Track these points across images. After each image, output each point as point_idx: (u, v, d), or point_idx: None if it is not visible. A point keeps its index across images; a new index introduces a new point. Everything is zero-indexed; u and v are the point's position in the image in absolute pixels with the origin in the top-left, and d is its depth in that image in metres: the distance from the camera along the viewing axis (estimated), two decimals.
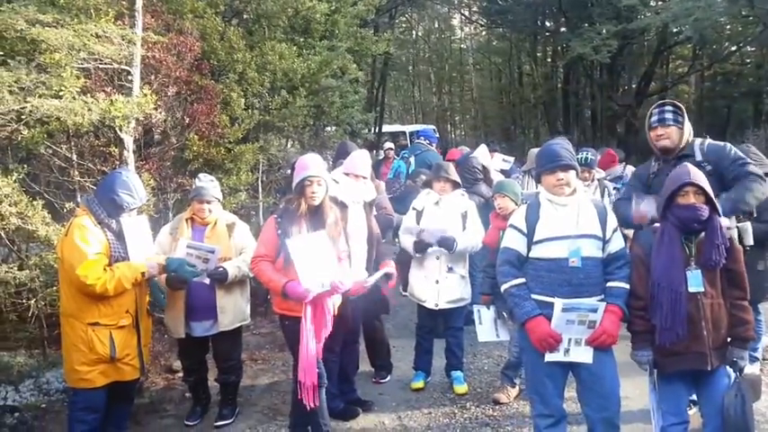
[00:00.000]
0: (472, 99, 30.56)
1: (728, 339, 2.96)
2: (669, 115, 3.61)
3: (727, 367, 2.98)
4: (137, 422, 4.34)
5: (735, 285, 2.96)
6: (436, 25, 32.18)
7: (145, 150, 5.76)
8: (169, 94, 5.66)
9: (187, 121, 5.84)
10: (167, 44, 5.59)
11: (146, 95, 4.91)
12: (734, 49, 19.61)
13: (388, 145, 11.56)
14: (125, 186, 3.59)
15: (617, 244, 3.12)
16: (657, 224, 3.06)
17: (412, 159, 9.17)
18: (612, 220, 3.16)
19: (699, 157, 3.55)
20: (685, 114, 3.65)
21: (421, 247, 4.54)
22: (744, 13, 14.25)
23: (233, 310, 4.20)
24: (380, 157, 12.07)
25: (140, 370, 3.75)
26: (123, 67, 5.11)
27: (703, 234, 2.92)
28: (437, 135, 19.96)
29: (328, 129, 9.08)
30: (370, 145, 16.14)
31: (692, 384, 3.07)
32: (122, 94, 5.08)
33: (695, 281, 2.89)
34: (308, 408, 3.45)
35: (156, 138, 5.92)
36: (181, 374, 4.77)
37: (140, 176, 5.11)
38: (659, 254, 2.95)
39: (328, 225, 3.57)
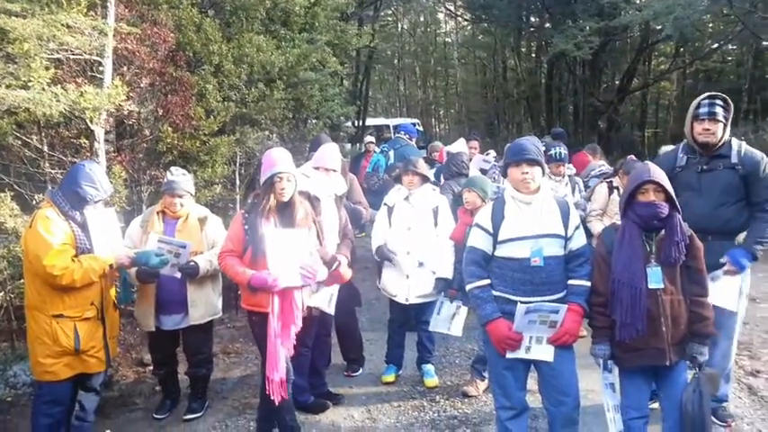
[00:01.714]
0: (456, 93, 30.65)
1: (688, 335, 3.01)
2: (719, 110, 3.58)
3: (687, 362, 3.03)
4: (105, 415, 4.32)
5: (694, 282, 3.00)
6: (422, 19, 32.14)
7: (118, 142, 5.72)
8: (142, 85, 5.61)
9: (161, 112, 5.80)
10: (141, 35, 5.54)
11: (117, 87, 4.87)
12: (715, 46, 19.79)
13: (369, 138, 11.56)
14: (88, 179, 3.57)
15: (579, 241, 3.14)
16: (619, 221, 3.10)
17: (391, 153, 9.20)
18: (575, 218, 3.17)
19: (734, 160, 3.59)
20: (731, 111, 3.64)
21: (381, 255, 4.66)
22: (725, 11, 14.37)
23: (204, 304, 4.20)
24: (362, 151, 12.08)
25: (106, 362, 3.73)
26: (95, 58, 5.07)
27: (663, 231, 2.96)
28: (421, 129, 19.98)
29: (312, 122, 9.04)
30: (351, 138, 16.13)
31: (653, 379, 3.12)
32: (94, 85, 5.04)
33: (655, 277, 2.92)
34: (276, 402, 3.45)
35: (129, 129, 5.87)
36: (151, 368, 4.75)
37: (112, 168, 5.11)
38: (620, 251, 2.99)
39: (298, 220, 3.56)
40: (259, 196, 3.57)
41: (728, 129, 3.63)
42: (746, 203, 3.62)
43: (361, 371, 4.98)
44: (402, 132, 9.42)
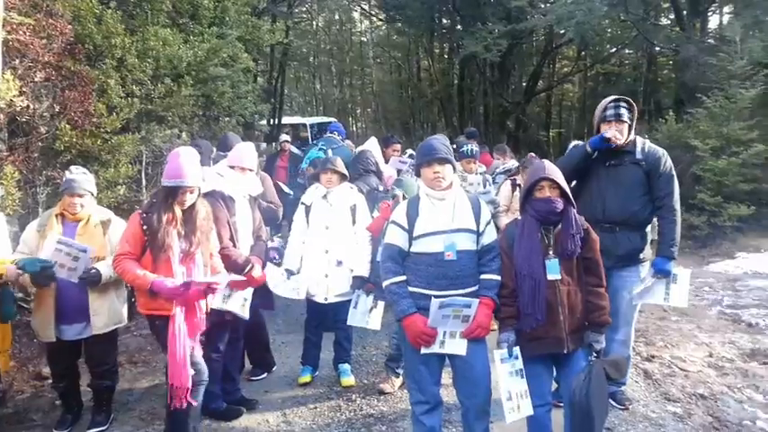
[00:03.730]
0: (373, 92, 30.79)
1: (585, 324, 3.15)
2: (624, 111, 3.79)
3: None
4: None
5: (591, 273, 3.16)
6: (337, 17, 32.03)
7: (10, 141, 5.33)
8: (37, 80, 5.25)
9: (58, 109, 5.46)
10: (34, 26, 5.19)
11: (8, 81, 4.55)
12: (613, 51, 21.06)
13: (284, 137, 11.38)
14: None
15: (490, 236, 3.24)
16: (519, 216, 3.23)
17: (330, 152, 9.08)
18: (486, 214, 3.28)
19: (639, 156, 3.82)
20: (635, 112, 3.85)
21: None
22: (621, 17, 15.28)
23: (107, 312, 3.97)
24: (277, 150, 11.86)
25: None
26: None
27: (560, 225, 3.10)
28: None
29: (224, 119, 8.78)
30: (267, 137, 15.86)
31: (554, 367, 3.26)
32: None
33: (553, 269, 3.06)
34: (180, 409, 3.33)
35: (23, 127, 5.47)
36: (50, 381, 4.46)
37: (4, 169, 4.76)
38: (520, 245, 3.11)
39: (200, 220, 3.46)
40: (158, 195, 3.44)
41: (633, 127, 3.87)
42: (650, 197, 3.86)
43: (265, 375, 4.89)
44: (335, 132, 9.35)
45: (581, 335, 3.12)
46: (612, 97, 3.94)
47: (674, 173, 3.89)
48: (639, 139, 3.92)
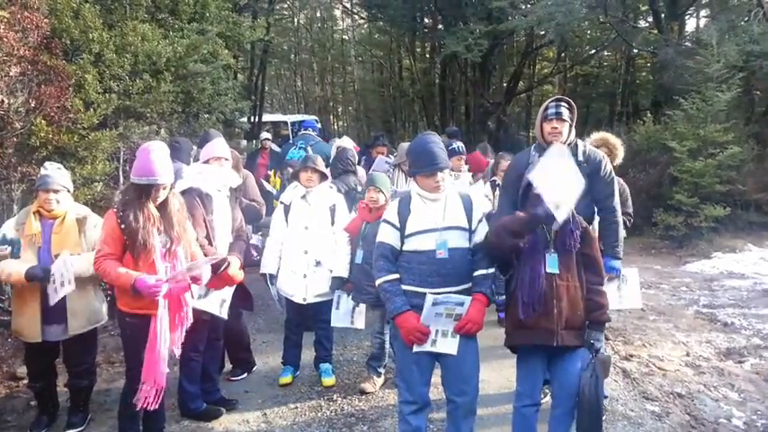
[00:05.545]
0: (354, 91, 30.68)
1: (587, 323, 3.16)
2: (564, 110, 3.81)
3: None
4: None
5: (590, 270, 3.19)
6: (318, 14, 31.87)
7: None
8: (11, 74, 5.13)
9: (33, 104, 5.33)
10: (9, 19, 5.08)
11: None
12: (592, 52, 21.28)
13: (265, 135, 11.34)
14: None
15: (482, 234, 3.26)
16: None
17: (309, 149, 9.06)
18: (478, 212, 3.30)
19: (581, 158, 3.83)
20: (575, 113, 3.88)
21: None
22: (601, 19, 15.44)
23: (85, 312, 3.89)
24: (258, 147, 11.79)
25: None
26: None
27: None
28: (320, 125, 19.91)
29: (204, 116, 8.68)
30: (247, 134, 15.74)
31: (547, 367, 3.26)
32: None
33: (552, 263, 3.10)
34: (148, 410, 3.30)
35: None
36: (26, 381, 4.36)
37: None
38: None
39: (175, 213, 3.41)
40: (129, 193, 3.38)
41: (573, 130, 3.90)
42: (591, 199, 3.89)
43: (246, 375, 4.85)
44: (310, 129, 9.32)
45: (578, 332, 3.12)
46: (554, 97, 3.99)
47: (613, 175, 3.96)
48: (580, 143, 3.97)
